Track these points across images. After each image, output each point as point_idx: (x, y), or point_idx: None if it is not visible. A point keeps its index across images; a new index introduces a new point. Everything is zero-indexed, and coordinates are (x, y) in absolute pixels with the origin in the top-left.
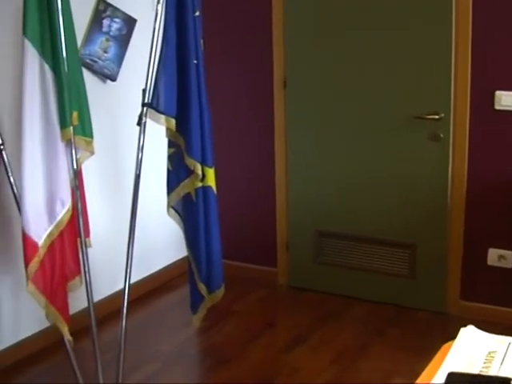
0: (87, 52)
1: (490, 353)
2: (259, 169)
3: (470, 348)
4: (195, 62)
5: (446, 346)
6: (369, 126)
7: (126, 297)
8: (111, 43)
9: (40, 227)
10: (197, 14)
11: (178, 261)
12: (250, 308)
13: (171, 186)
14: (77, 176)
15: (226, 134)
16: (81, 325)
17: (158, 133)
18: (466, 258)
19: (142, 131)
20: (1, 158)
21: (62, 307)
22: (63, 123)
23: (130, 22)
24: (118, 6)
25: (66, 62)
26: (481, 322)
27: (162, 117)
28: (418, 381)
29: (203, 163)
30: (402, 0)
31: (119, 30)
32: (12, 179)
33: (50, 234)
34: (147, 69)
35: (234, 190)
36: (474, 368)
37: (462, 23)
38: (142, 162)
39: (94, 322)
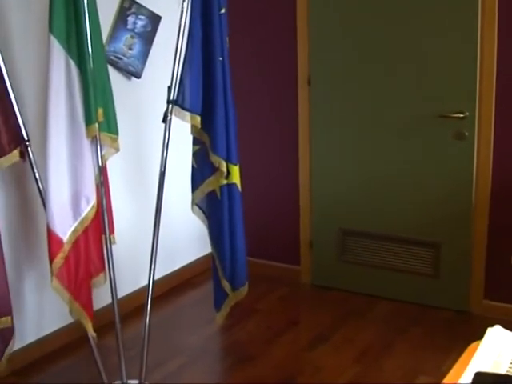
0: (112, 49)
1: None
2: (283, 166)
3: (496, 348)
4: (221, 59)
5: (472, 345)
6: (393, 124)
7: (149, 293)
8: (136, 40)
9: (65, 223)
10: (222, 11)
11: (201, 258)
12: (273, 306)
13: (196, 183)
14: (102, 173)
15: (250, 132)
16: (104, 321)
17: (182, 130)
18: (490, 258)
19: (168, 128)
20: (26, 154)
21: (86, 303)
22: (89, 120)
23: (154, 19)
24: (143, 3)
25: (91, 59)
26: (505, 322)
27: (188, 114)
28: (444, 380)
29: (228, 160)
30: (426, 4)
31: (144, 27)
32: (37, 175)
33: (74, 231)
34: (173, 66)
35: (258, 188)
36: (500, 368)
37: (487, 21)
38: (167, 160)
39: (117, 319)
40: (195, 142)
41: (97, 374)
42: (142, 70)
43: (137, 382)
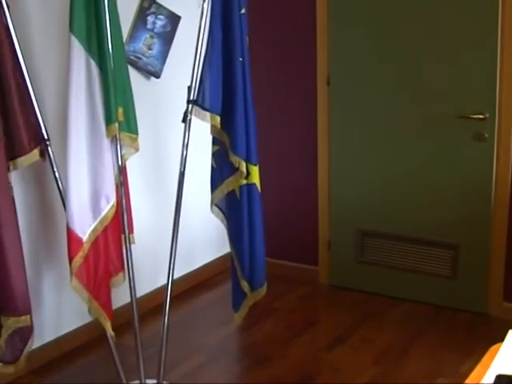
0: (131, 49)
1: None
2: (302, 167)
3: None
4: (241, 59)
5: (494, 347)
6: (412, 124)
7: (168, 293)
8: (155, 40)
9: (84, 223)
10: (242, 11)
11: (220, 258)
12: (291, 306)
13: (215, 183)
14: (121, 172)
15: (269, 132)
16: (122, 320)
17: (201, 130)
18: (509, 259)
19: (187, 128)
20: (46, 153)
21: (105, 303)
22: (109, 119)
23: (174, 19)
24: (163, 3)
25: (112, 59)
26: None
27: (207, 114)
28: (466, 381)
29: (248, 161)
30: (445, 2)
31: (163, 26)
32: (57, 174)
33: (94, 230)
34: (193, 66)
35: (276, 188)
36: None
37: (508, 22)
38: (187, 160)
39: (136, 318)
40: (215, 141)
41: (115, 374)
42: (162, 69)
43: (155, 381)
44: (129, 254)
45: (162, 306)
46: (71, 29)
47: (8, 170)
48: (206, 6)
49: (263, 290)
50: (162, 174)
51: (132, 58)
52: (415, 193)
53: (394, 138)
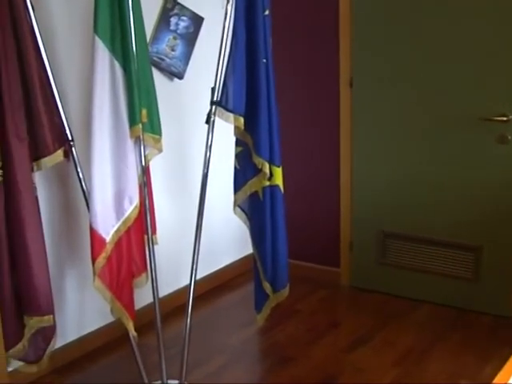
0: (155, 50)
1: None
2: (324, 168)
3: None
4: (264, 60)
5: None
6: (435, 126)
7: (191, 294)
8: (178, 41)
9: (108, 223)
10: (266, 12)
11: (242, 259)
12: (313, 308)
13: (238, 184)
14: (145, 173)
15: (291, 133)
16: (144, 320)
17: (224, 131)
18: None
19: (211, 129)
20: (70, 153)
21: (128, 303)
22: (133, 120)
23: (197, 21)
24: (186, 5)
25: (136, 60)
26: None
27: (231, 115)
28: (494, 381)
29: (271, 162)
30: (470, 2)
31: (186, 28)
32: (81, 175)
33: (117, 230)
34: (216, 67)
35: (298, 189)
36: None
37: None
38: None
39: (158, 319)
40: (238, 143)
41: (137, 374)
42: (185, 70)
43: (177, 381)
44: (152, 254)
45: (183, 306)
46: (95, 30)
47: (32, 170)
48: (229, 7)
49: (286, 292)
50: (185, 174)
51: (155, 59)
52: (438, 194)
53: (417, 139)
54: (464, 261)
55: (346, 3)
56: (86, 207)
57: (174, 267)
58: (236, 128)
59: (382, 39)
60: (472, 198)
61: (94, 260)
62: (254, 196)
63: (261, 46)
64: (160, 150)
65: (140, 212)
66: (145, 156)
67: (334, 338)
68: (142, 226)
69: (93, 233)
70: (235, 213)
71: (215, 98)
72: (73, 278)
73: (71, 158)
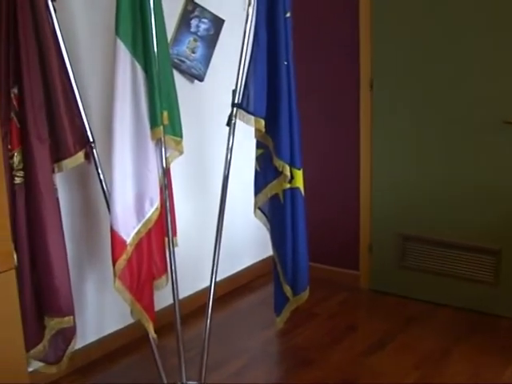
0: (175, 52)
1: None
2: (344, 170)
3: None
4: (285, 63)
5: None
6: (457, 129)
7: (211, 296)
8: (199, 43)
9: (128, 225)
10: (288, 15)
11: (261, 261)
12: (332, 311)
13: (259, 186)
14: (165, 175)
15: (311, 135)
16: (164, 321)
17: (244, 133)
18: None
19: (232, 132)
20: (91, 155)
21: (148, 305)
22: (154, 122)
23: (217, 23)
24: (206, 7)
25: (157, 62)
26: None
27: (252, 117)
28: None
29: (292, 165)
30: (493, 2)
31: (207, 30)
32: (102, 177)
33: (138, 232)
34: (237, 69)
35: (318, 192)
36: None
37: None
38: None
39: (178, 321)
40: (259, 145)
41: (156, 375)
42: (205, 73)
43: (196, 383)
44: (172, 256)
45: (203, 308)
46: (117, 32)
47: (53, 172)
48: (251, 9)
49: (305, 295)
50: (205, 176)
51: (176, 61)
52: (458, 198)
53: (438, 142)
54: (484, 264)
55: (367, 4)
56: (106, 209)
57: (193, 269)
58: (257, 130)
59: (403, 40)
60: (493, 202)
61: (114, 262)
62: (274, 198)
63: (282, 49)
64: (181, 152)
65: (161, 214)
66: (166, 158)
67: (352, 341)
68: (162, 227)
69: (113, 234)
70: (255, 215)
71: (236, 101)
72: (93, 280)
73: (92, 159)
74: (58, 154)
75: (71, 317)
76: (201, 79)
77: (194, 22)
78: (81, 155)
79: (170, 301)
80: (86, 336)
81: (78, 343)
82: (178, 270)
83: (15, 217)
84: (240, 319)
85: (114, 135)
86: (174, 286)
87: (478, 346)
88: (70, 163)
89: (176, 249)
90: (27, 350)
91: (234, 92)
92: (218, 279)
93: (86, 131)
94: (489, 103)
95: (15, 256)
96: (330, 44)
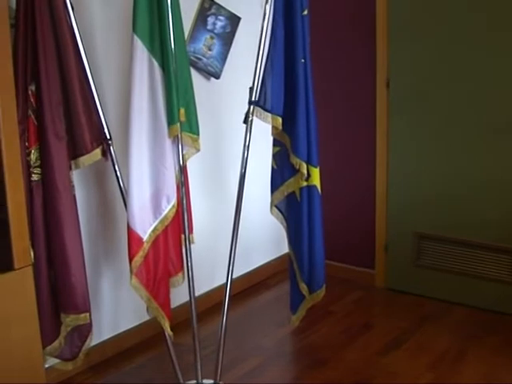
0: (192, 49)
1: None
2: (359, 169)
3: None
4: (303, 61)
5: None
6: (474, 128)
7: (227, 294)
8: (215, 41)
9: (145, 222)
10: (305, 12)
11: (277, 259)
12: (347, 309)
13: (275, 184)
14: (182, 172)
15: (327, 133)
16: (179, 319)
17: (261, 131)
18: None
19: (249, 129)
20: (108, 152)
21: (164, 302)
22: (171, 120)
23: (233, 20)
24: (223, 4)
25: (174, 59)
26: None
27: (269, 115)
28: None
29: (309, 162)
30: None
31: (223, 27)
32: (119, 174)
33: (154, 230)
34: (255, 67)
35: (333, 190)
36: None
37: None
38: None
39: (195, 319)
40: (275, 143)
41: (171, 373)
42: (221, 70)
43: (212, 381)
44: (189, 253)
45: (218, 305)
46: (134, 29)
47: (70, 169)
48: (268, 7)
49: (322, 293)
50: (222, 174)
51: (192, 58)
52: (474, 196)
53: (455, 141)
54: (500, 263)
55: (384, 3)
56: (122, 206)
57: (209, 266)
58: (274, 128)
59: (420, 39)
60: (510, 201)
61: (131, 259)
62: (291, 196)
63: (299, 46)
64: (198, 150)
65: (177, 211)
66: (183, 155)
67: (368, 340)
68: (179, 225)
69: (130, 232)
70: (272, 213)
71: (253, 98)
72: (109, 277)
73: (109, 156)
74: (75, 151)
75: (87, 314)
76: (217, 77)
77: (210, 20)
78: (98, 152)
79: (185, 298)
80: (101, 333)
81: (94, 340)
82: (193, 267)
83: (32, 214)
84: (255, 317)
85: (131, 132)
86: (191, 283)
87: (493, 346)
88: (86, 160)
89: (192, 246)
90: (43, 347)
91: (251, 89)
92: (233, 277)
93: (103, 128)
94: (508, 103)
95: (32, 253)
96: (347, 43)
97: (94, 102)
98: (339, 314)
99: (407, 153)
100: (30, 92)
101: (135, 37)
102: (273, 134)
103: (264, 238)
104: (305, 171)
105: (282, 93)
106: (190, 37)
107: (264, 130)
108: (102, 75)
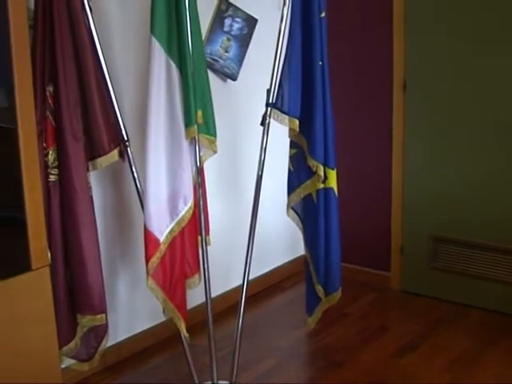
0: (208, 51)
1: None
2: (375, 171)
3: None
4: (320, 63)
5: None
6: (491, 129)
7: (243, 296)
8: (232, 43)
9: (162, 224)
10: (322, 15)
11: (292, 261)
12: (363, 311)
13: (292, 186)
14: (199, 174)
15: (343, 136)
16: (195, 320)
17: (277, 132)
18: None
19: (266, 131)
20: (125, 154)
21: (180, 304)
22: (188, 122)
23: (250, 22)
24: (240, 6)
25: (192, 61)
26: None
27: (286, 117)
28: None
29: (326, 165)
30: None
31: (240, 29)
32: (136, 175)
33: (171, 231)
34: (272, 69)
35: (349, 192)
36: None
37: None
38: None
39: (211, 320)
40: (292, 145)
41: (187, 374)
42: (238, 72)
43: (227, 382)
44: (205, 255)
45: (233, 307)
46: (152, 31)
47: (87, 170)
48: (285, 10)
49: (338, 295)
50: (238, 175)
51: (209, 60)
52: (490, 199)
53: (471, 143)
54: None
55: (401, 3)
56: (139, 207)
57: (224, 268)
58: (291, 130)
59: (437, 41)
60: None
61: (147, 260)
62: (307, 198)
63: (317, 49)
64: (215, 151)
65: (194, 213)
66: (200, 157)
67: (383, 343)
68: (195, 226)
69: (147, 233)
70: (288, 215)
71: (271, 100)
72: (125, 278)
73: (126, 157)
74: (93, 152)
75: (103, 314)
76: (234, 78)
77: (227, 22)
78: (115, 153)
79: (200, 299)
80: (117, 334)
81: (110, 341)
82: (210, 268)
83: (49, 214)
84: (271, 318)
85: (148, 133)
86: (207, 285)
87: (509, 349)
88: (104, 161)
89: (208, 247)
90: (60, 348)
91: (269, 91)
92: (249, 278)
93: (121, 129)
94: None
95: (49, 253)
96: (362, 44)
97: (112, 103)
98: (355, 316)
99: (423, 155)
100: (48, 93)
101: (153, 38)
102: (290, 136)
103: (279, 240)
104: (322, 173)
105: (300, 95)
106: (206, 39)
107: (281, 131)
108: (120, 76)
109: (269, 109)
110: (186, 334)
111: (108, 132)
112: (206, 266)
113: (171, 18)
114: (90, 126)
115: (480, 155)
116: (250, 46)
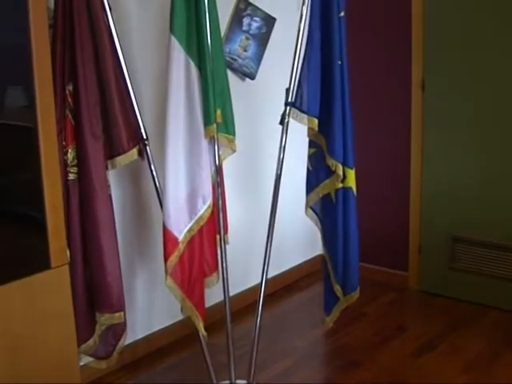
0: (227, 50)
1: None
2: (394, 171)
3: None
4: (339, 62)
5: None
6: (510, 128)
7: (261, 295)
8: (251, 42)
9: (181, 222)
10: (341, 14)
11: (310, 260)
12: (381, 311)
13: (311, 185)
14: (218, 173)
15: (362, 135)
16: (212, 319)
17: (296, 132)
18: None
19: (285, 130)
20: (144, 152)
21: (198, 302)
22: (207, 120)
23: (269, 21)
24: (258, 5)
25: (211, 60)
26: None
27: (305, 116)
28: None
29: (345, 164)
30: None
31: (259, 28)
32: (155, 174)
33: (190, 230)
34: (291, 68)
35: (368, 192)
36: None
37: None
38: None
39: (229, 320)
40: (311, 144)
41: (205, 372)
42: (257, 71)
43: (245, 382)
44: (223, 254)
45: (251, 306)
46: (172, 30)
47: (106, 168)
48: (305, 9)
49: (356, 294)
50: (257, 174)
51: (228, 59)
52: (509, 199)
53: (491, 142)
54: None
55: (419, 5)
56: (157, 206)
57: (242, 267)
58: (310, 129)
59: (456, 40)
60: None
61: (166, 259)
62: (326, 198)
63: (336, 48)
64: (234, 150)
65: (213, 212)
66: (219, 156)
67: (401, 342)
68: (214, 225)
69: (166, 232)
70: (307, 214)
71: (290, 99)
72: (143, 276)
73: (145, 156)
74: (112, 151)
75: (122, 313)
76: (252, 77)
77: (245, 21)
78: (134, 152)
79: (219, 298)
80: (135, 332)
81: (127, 339)
82: (228, 267)
83: (68, 213)
84: (288, 318)
85: (167, 132)
86: (225, 283)
87: None
88: (123, 160)
89: (227, 246)
90: (78, 345)
91: (288, 91)
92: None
93: (140, 128)
94: None
95: (68, 252)
96: (381, 43)
97: (131, 101)
98: (372, 315)
99: (442, 155)
100: (67, 92)
101: (172, 37)
102: (309, 135)
103: (297, 239)
104: (341, 173)
105: (319, 94)
106: (225, 38)
107: (300, 131)
108: (139, 75)
109: (288, 108)
110: (204, 333)
111: (127, 130)
112: (224, 264)
113: (190, 18)
114: (110, 124)
115: (499, 155)
116: (269, 45)
